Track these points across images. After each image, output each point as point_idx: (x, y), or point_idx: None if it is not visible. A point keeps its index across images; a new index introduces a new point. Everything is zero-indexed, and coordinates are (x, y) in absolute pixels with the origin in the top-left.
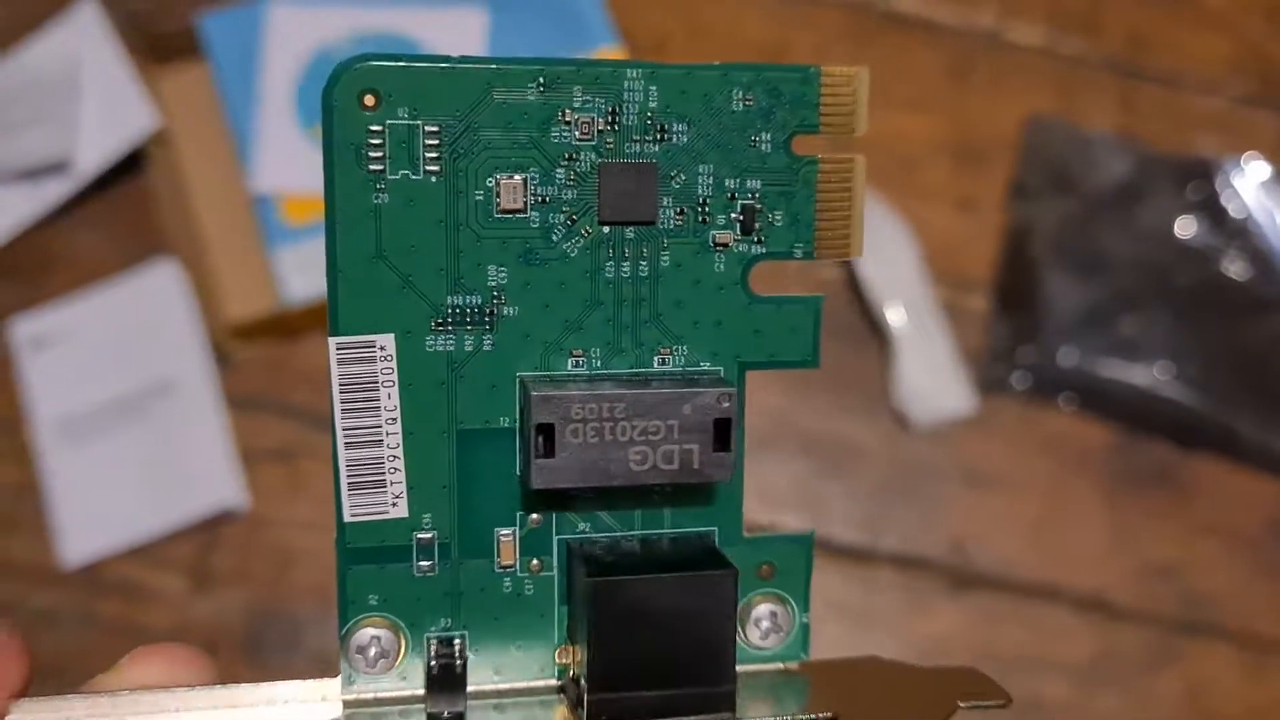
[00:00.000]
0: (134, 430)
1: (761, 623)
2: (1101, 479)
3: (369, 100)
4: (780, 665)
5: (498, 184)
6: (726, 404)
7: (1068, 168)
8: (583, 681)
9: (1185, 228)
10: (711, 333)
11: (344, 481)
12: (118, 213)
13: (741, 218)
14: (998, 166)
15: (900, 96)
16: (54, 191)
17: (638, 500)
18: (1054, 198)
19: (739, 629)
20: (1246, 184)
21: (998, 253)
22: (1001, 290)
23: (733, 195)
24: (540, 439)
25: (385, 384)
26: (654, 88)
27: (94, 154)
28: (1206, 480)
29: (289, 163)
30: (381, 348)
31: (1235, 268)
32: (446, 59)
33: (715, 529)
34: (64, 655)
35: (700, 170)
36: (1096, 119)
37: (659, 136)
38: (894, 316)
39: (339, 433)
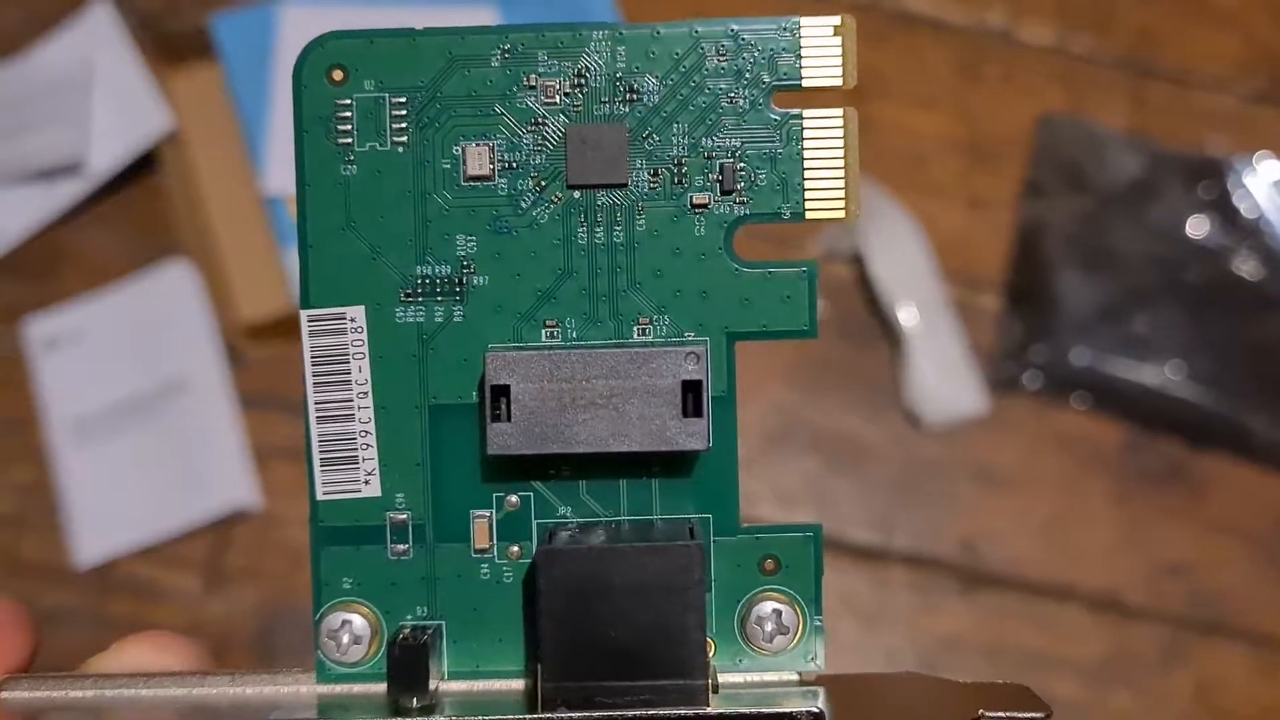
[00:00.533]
0: (146, 430)
1: (765, 623)
2: (1113, 478)
3: (337, 75)
4: (795, 675)
5: (464, 152)
6: (694, 365)
7: (1079, 166)
8: (539, 668)
9: (1197, 226)
10: (695, 302)
11: (316, 457)
12: (130, 213)
13: (720, 178)
14: (1008, 165)
15: (910, 95)
16: (67, 192)
17: (616, 475)
18: (1066, 196)
19: (739, 629)
20: (1258, 183)
21: (1009, 251)
22: (1013, 289)
23: (710, 155)
24: (495, 401)
25: (356, 356)
26: (620, 49)
27: (107, 155)
28: (1218, 479)
29: None
30: (352, 319)
31: (1247, 267)
32: (410, 31)
33: (709, 516)
34: (76, 654)
35: (674, 130)
36: (1107, 117)
37: (629, 98)
38: (905, 315)
39: (310, 407)
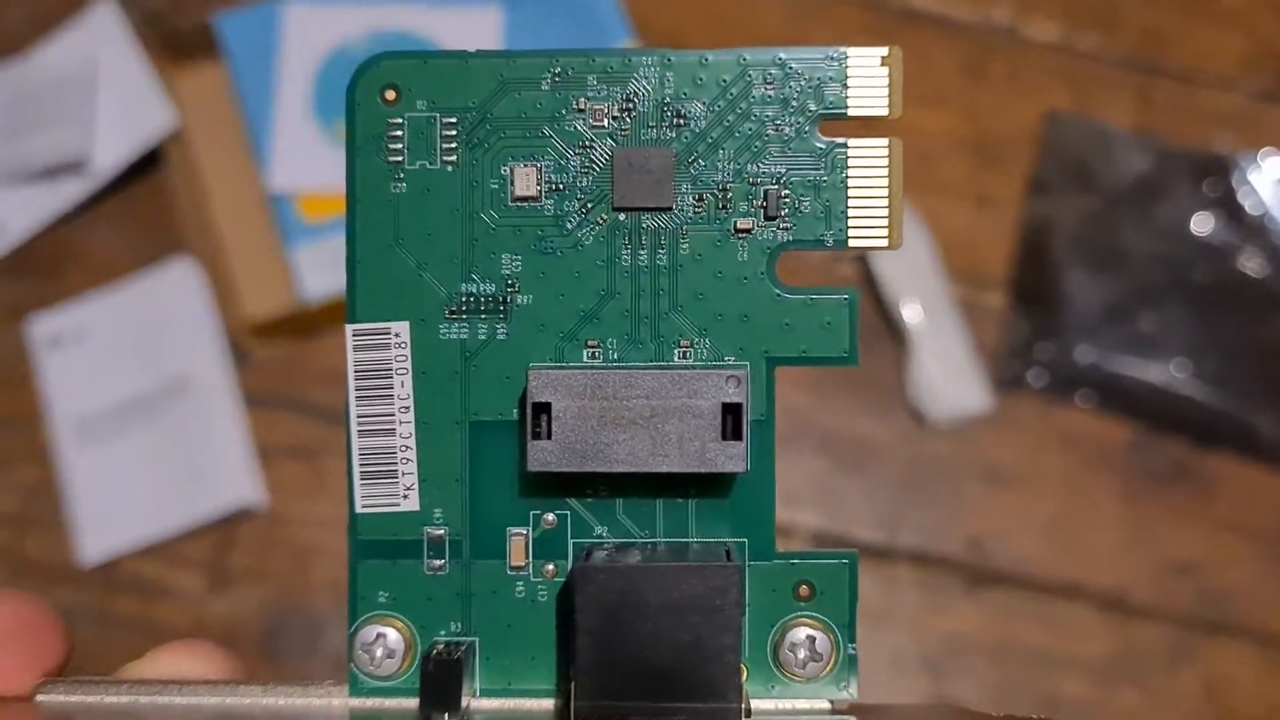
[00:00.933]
0: (151, 428)
1: (799, 650)
2: (1119, 476)
3: (389, 95)
4: (828, 704)
5: (512, 172)
6: (735, 388)
7: (1085, 164)
8: (573, 685)
9: (1203, 224)
10: (736, 326)
11: (356, 471)
12: (135, 211)
13: (765, 204)
14: (1015, 163)
15: (916, 92)
16: (72, 190)
17: (653, 496)
18: (1072, 194)
19: (772, 655)
20: (1263, 180)
21: (1015, 249)
22: (1019, 287)
23: (754, 181)
24: (536, 418)
25: (399, 371)
26: (669, 75)
27: (111, 153)
28: (1225, 477)
29: (306, 161)
30: (396, 335)
31: (1252, 264)
32: (463, 53)
33: (745, 540)
34: (81, 653)
35: (719, 156)
36: (1113, 115)
37: (675, 123)
38: (911, 314)
39: (353, 420)
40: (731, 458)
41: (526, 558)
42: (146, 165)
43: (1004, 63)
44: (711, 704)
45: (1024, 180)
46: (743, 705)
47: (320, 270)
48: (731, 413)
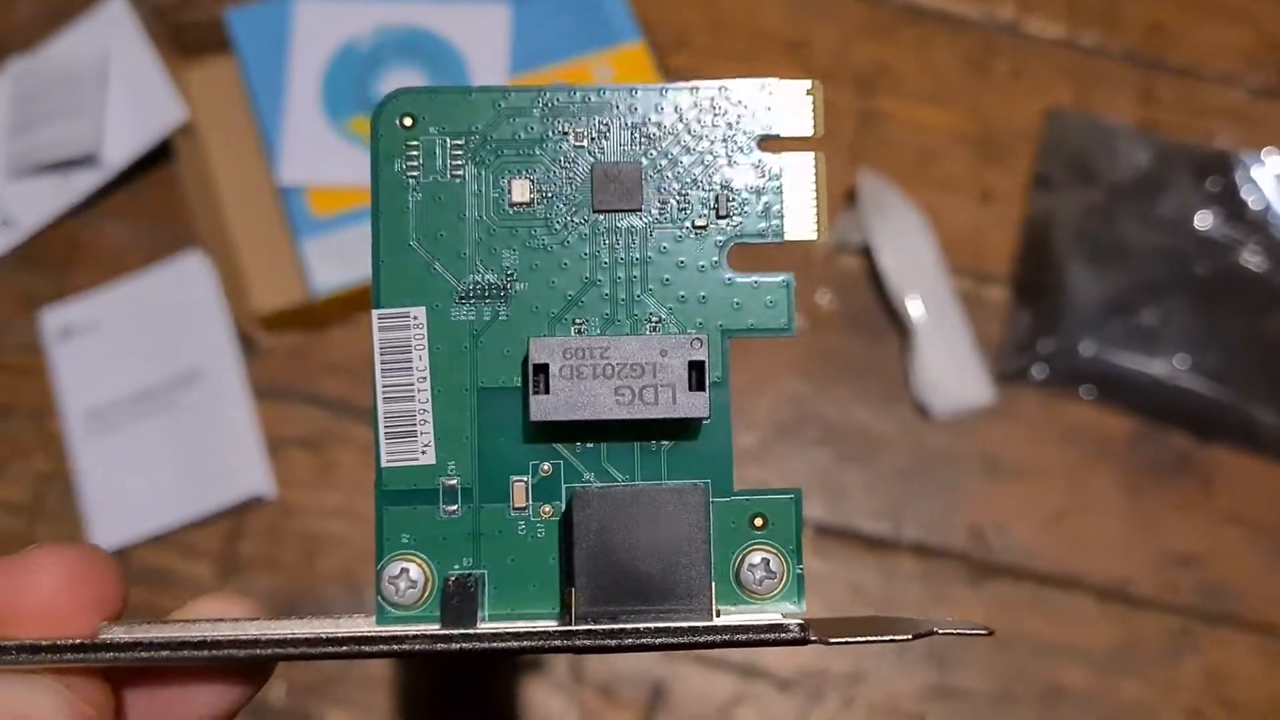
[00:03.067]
0: (162, 419)
1: (756, 570)
2: (1121, 469)
3: (407, 121)
4: (779, 617)
5: (509, 184)
6: (698, 349)
7: (1088, 159)
8: (573, 591)
9: (1204, 220)
10: (696, 305)
11: (382, 431)
12: (145, 205)
13: (716, 206)
14: (1017, 158)
15: (920, 89)
16: (83, 183)
17: (633, 439)
18: (1074, 189)
19: (734, 576)
20: (1265, 176)
21: (1017, 244)
22: (1021, 282)
23: (708, 188)
24: (537, 377)
25: (417, 348)
26: (635, 104)
27: (122, 147)
28: (1226, 470)
29: (315, 155)
30: (414, 318)
31: (1254, 260)
32: (467, 88)
33: (709, 481)
34: None
35: (679, 168)
36: (1116, 111)
37: (642, 142)
38: (914, 307)
39: (379, 390)
40: (696, 405)
41: (527, 501)
42: (157, 159)
43: (1007, 59)
44: (687, 603)
45: (1027, 176)
46: (714, 602)
47: (329, 263)
48: (696, 369)
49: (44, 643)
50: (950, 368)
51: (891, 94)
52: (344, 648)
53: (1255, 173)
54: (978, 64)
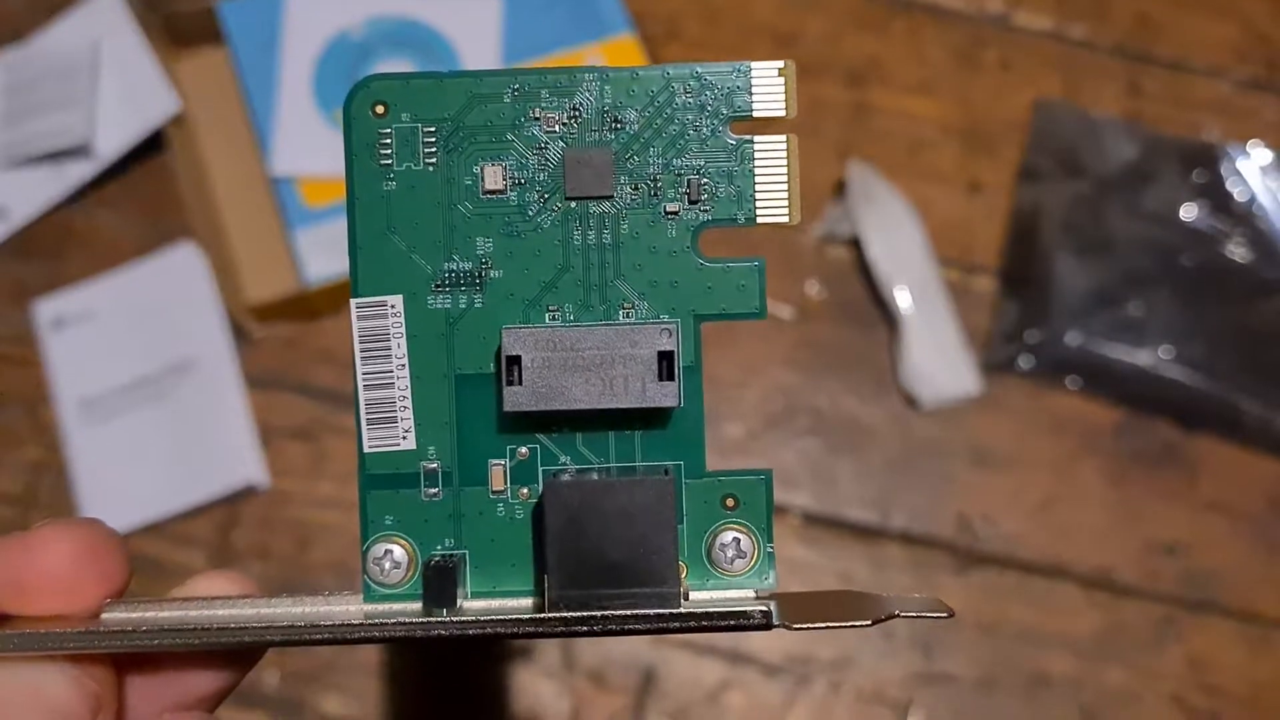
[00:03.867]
0: (155, 409)
1: (727, 549)
2: (1106, 459)
3: (379, 109)
4: (752, 593)
5: (482, 171)
6: (668, 338)
7: (1075, 151)
8: (547, 579)
9: (1190, 211)
10: (668, 290)
11: (363, 417)
12: (137, 195)
13: (688, 191)
14: (1006, 150)
15: (909, 80)
16: (75, 174)
17: (607, 428)
18: (1062, 181)
19: (706, 555)
20: (1251, 169)
21: (1005, 235)
22: (1009, 272)
23: (679, 173)
24: (510, 369)
25: (395, 335)
26: (607, 88)
27: (114, 137)
28: (1210, 460)
29: (307, 146)
30: (392, 306)
31: (1239, 251)
32: (438, 74)
33: (681, 463)
34: None
35: (650, 153)
36: (1103, 103)
37: (614, 127)
38: (902, 298)
39: (359, 377)
40: (666, 394)
41: (505, 484)
42: (149, 149)
43: (996, 51)
44: (656, 588)
45: (1015, 167)
46: (681, 589)
47: (321, 254)
48: (665, 359)
49: (47, 633)
50: (938, 358)
51: (881, 86)
52: (327, 634)
53: (1241, 165)
54: (967, 56)
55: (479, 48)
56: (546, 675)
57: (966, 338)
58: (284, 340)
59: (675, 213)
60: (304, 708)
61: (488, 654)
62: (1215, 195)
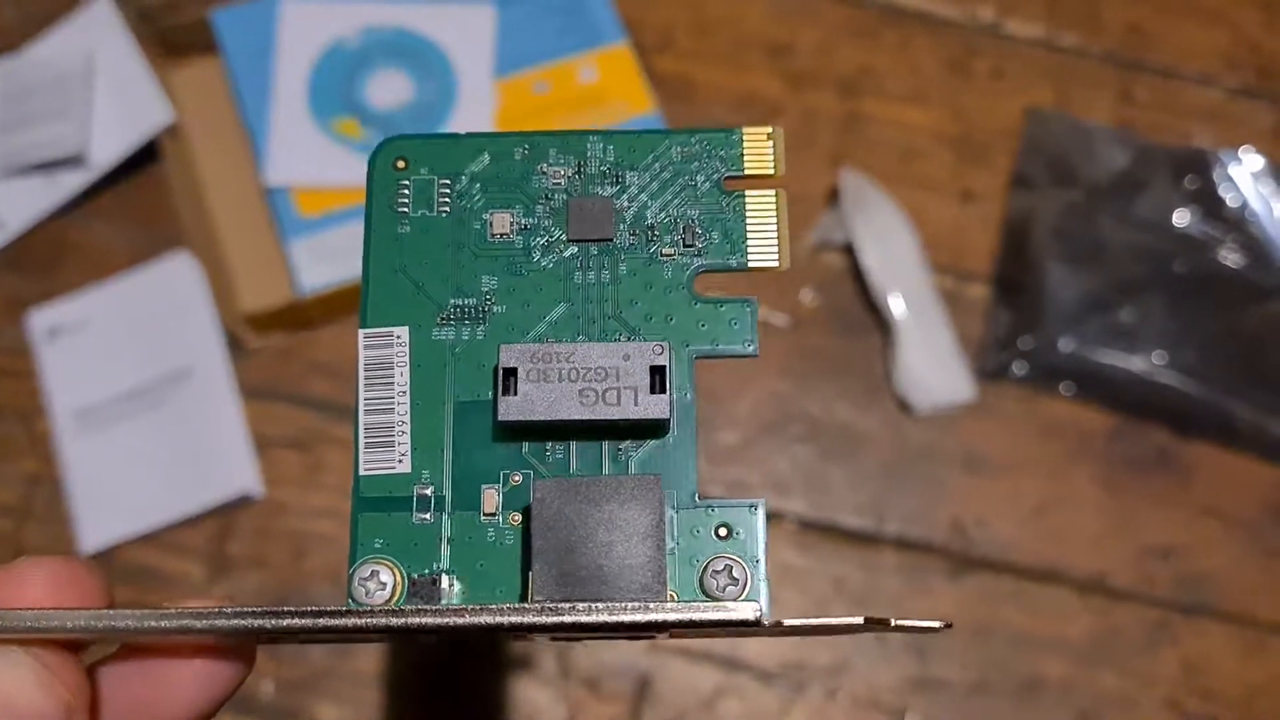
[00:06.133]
0: (150, 419)
1: (720, 577)
2: (1100, 464)
3: (400, 164)
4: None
5: (491, 218)
6: (660, 353)
7: (1067, 159)
8: (531, 577)
9: (1183, 218)
10: (662, 325)
11: (361, 441)
12: (132, 206)
13: (683, 236)
14: (998, 158)
15: (901, 89)
16: (69, 184)
17: (599, 439)
18: (1054, 188)
19: (699, 585)
20: (1242, 175)
21: (998, 243)
22: (1002, 280)
23: (676, 220)
24: (506, 380)
25: (399, 364)
26: (610, 147)
27: (109, 147)
28: (1203, 465)
29: (302, 156)
30: (398, 337)
31: (1231, 257)
32: (457, 135)
33: (673, 492)
34: None
35: (649, 203)
36: (1095, 111)
37: (616, 180)
38: (896, 305)
39: (360, 402)
40: (657, 406)
41: (496, 508)
42: (144, 159)
43: (988, 59)
44: (642, 588)
45: (1007, 175)
46: (667, 590)
47: (317, 263)
48: (658, 373)
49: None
50: (932, 365)
51: (873, 95)
52: (308, 621)
53: (1233, 171)
54: (959, 65)
55: (473, 57)
56: (543, 683)
57: (960, 344)
58: (279, 350)
59: (671, 255)
60: (299, 716)
61: (484, 662)
62: (1207, 202)
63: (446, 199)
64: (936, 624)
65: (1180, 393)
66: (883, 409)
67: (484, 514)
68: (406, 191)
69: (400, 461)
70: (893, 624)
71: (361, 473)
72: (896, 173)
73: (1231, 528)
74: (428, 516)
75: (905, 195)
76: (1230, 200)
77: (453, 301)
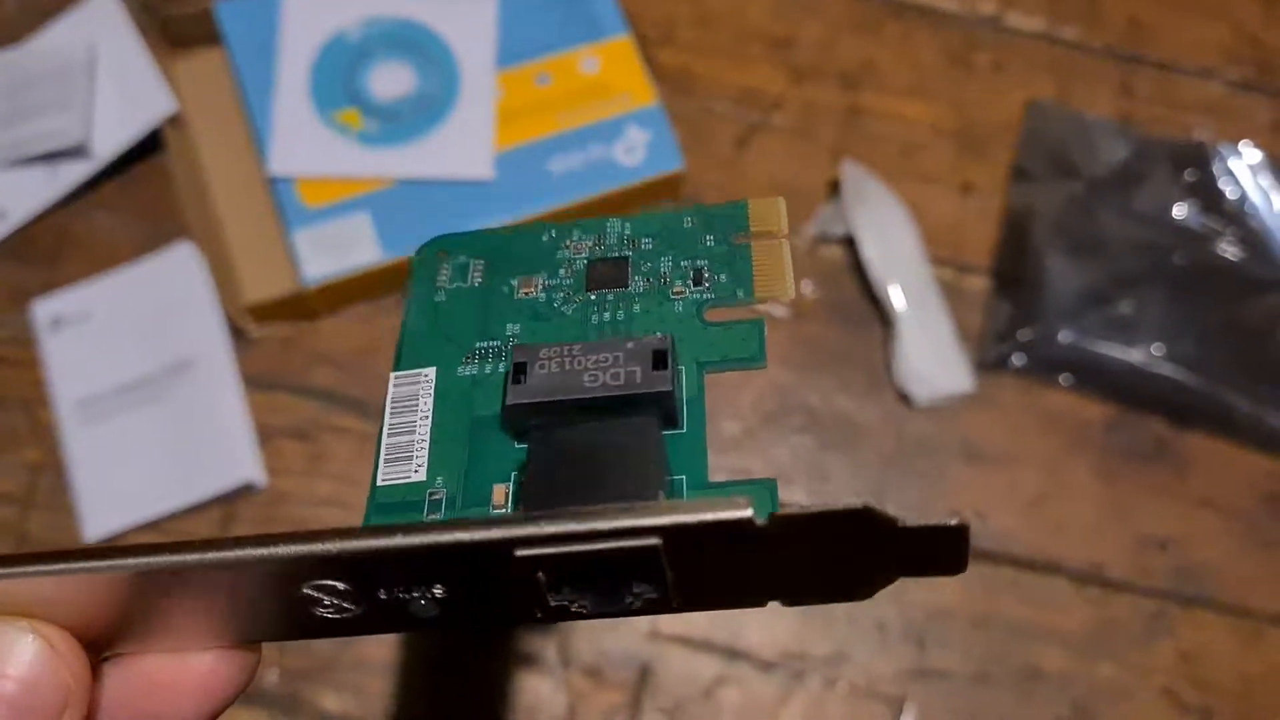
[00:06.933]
0: (153, 409)
1: None
2: (1098, 455)
3: (442, 254)
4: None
5: (518, 281)
6: (661, 338)
7: (1067, 152)
8: (524, 486)
9: (1182, 211)
10: (673, 345)
11: (382, 459)
12: (135, 196)
13: (693, 278)
14: (998, 151)
15: (902, 83)
16: (72, 175)
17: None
18: (1054, 182)
19: None
20: (1242, 168)
21: (998, 235)
22: (1001, 272)
23: (686, 267)
24: (515, 372)
25: (424, 396)
26: (627, 224)
27: (111, 138)
28: (1201, 456)
29: (304, 146)
30: (425, 375)
31: (1230, 250)
32: (494, 230)
33: (683, 477)
34: None
35: (661, 259)
36: (1095, 104)
37: (632, 246)
38: (896, 297)
39: (386, 427)
40: (660, 380)
41: (505, 502)
42: (146, 150)
43: (988, 53)
44: (635, 495)
45: (1007, 168)
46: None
47: (319, 254)
48: (659, 355)
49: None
50: (931, 356)
51: (874, 88)
52: (292, 546)
53: (1232, 164)
54: (959, 58)
55: (475, 49)
56: (543, 672)
57: (959, 336)
58: (282, 340)
59: (682, 293)
60: (303, 705)
61: (486, 651)
62: (1206, 195)
63: (480, 272)
64: (952, 520)
65: (1179, 384)
66: (882, 400)
67: (493, 507)
68: (446, 271)
69: (416, 471)
70: (900, 524)
71: (379, 484)
72: (897, 166)
73: (1229, 519)
74: (438, 516)
75: (905, 188)
76: (1229, 193)
77: (478, 344)
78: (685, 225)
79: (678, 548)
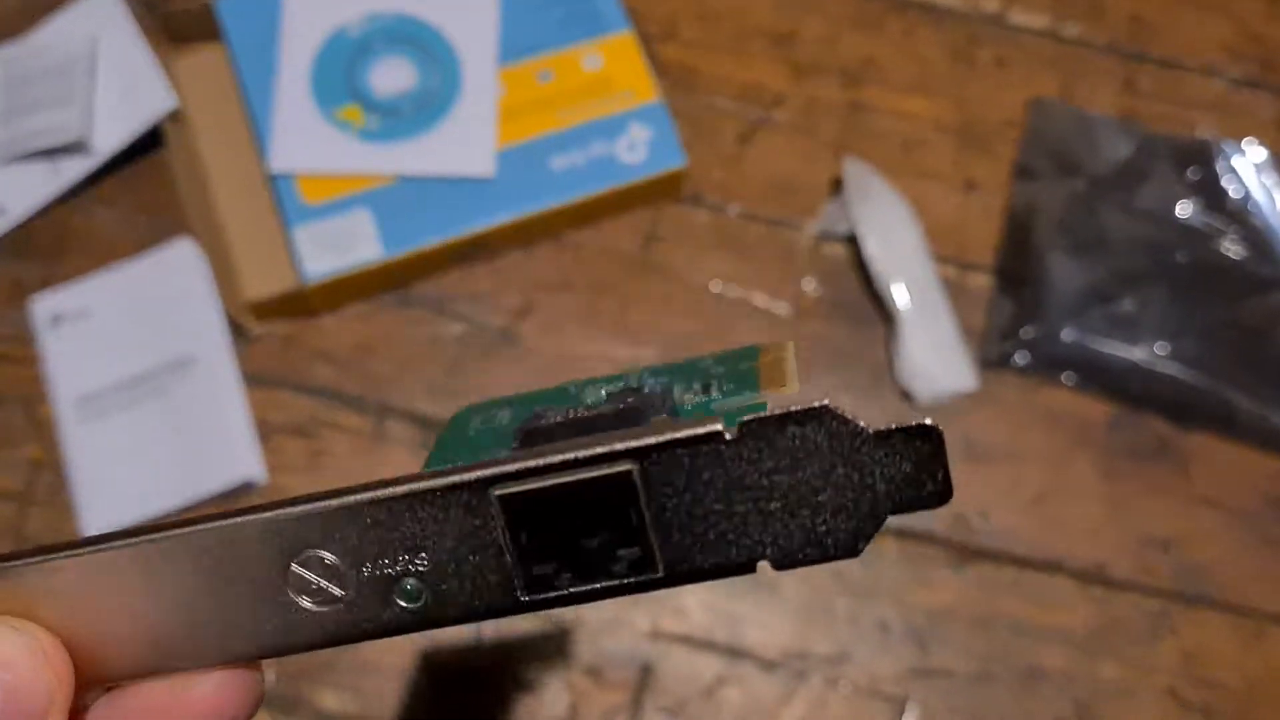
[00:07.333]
0: (153, 406)
1: None
2: (1100, 454)
3: (473, 412)
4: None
5: (546, 410)
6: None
7: (1070, 150)
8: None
9: (1185, 209)
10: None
11: None
12: (135, 192)
13: (703, 388)
14: (1001, 148)
15: (905, 80)
16: (72, 171)
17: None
18: (1057, 179)
19: None
20: (1245, 166)
21: (1001, 233)
22: (1004, 270)
23: (697, 384)
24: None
25: None
26: (643, 370)
27: (111, 134)
28: (1203, 455)
29: (305, 142)
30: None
31: (1233, 248)
32: (521, 395)
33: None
34: None
35: (673, 383)
36: (1098, 101)
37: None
38: (898, 295)
39: None
40: (662, 395)
41: None
42: (147, 146)
43: (991, 49)
44: (639, 422)
45: (1010, 165)
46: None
47: (320, 251)
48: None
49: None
50: (934, 354)
51: (877, 85)
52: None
53: (1235, 162)
54: (962, 55)
55: (477, 45)
56: (545, 672)
57: (962, 334)
58: (282, 337)
59: (691, 399)
60: (302, 704)
61: (486, 649)
62: (1209, 193)
63: (508, 413)
64: (925, 419)
65: (1181, 383)
66: (885, 398)
67: None
68: (477, 423)
69: None
70: (865, 427)
71: None
72: (899, 163)
73: (1231, 518)
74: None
75: (908, 185)
76: (1232, 191)
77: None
78: (700, 364)
79: (652, 478)
